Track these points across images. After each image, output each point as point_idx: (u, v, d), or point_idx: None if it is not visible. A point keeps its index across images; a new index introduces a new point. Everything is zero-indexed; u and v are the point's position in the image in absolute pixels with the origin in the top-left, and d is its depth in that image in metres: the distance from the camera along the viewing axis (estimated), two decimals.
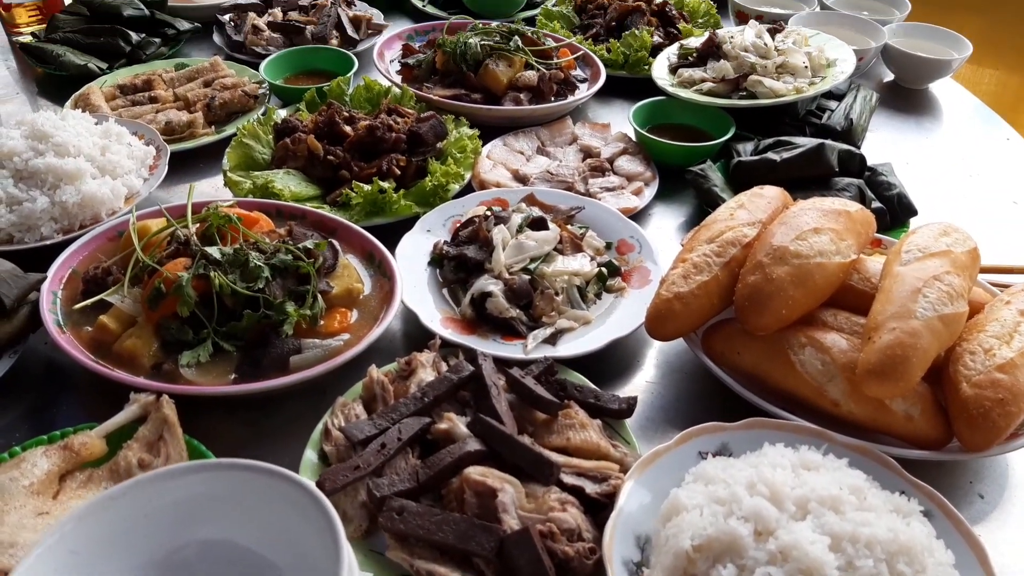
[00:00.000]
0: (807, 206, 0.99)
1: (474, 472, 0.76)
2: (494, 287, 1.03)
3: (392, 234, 1.18)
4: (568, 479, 0.79)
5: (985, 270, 1.17)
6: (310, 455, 0.85)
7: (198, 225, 1.06)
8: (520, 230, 1.12)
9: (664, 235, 1.29)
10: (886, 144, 1.53)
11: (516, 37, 1.57)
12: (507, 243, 1.09)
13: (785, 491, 0.72)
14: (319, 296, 1.00)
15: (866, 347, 0.84)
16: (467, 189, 1.32)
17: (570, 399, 0.88)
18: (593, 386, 0.92)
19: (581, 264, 1.09)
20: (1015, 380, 0.83)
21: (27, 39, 1.70)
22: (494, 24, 1.64)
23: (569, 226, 1.17)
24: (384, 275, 1.08)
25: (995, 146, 1.56)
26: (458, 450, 0.79)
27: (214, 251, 0.98)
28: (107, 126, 1.29)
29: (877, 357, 0.82)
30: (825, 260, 0.92)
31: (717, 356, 0.97)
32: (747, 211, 1.03)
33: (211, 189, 1.35)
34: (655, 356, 1.06)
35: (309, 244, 1.03)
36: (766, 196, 1.06)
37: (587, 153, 1.44)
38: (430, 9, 1.92)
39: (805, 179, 1.27)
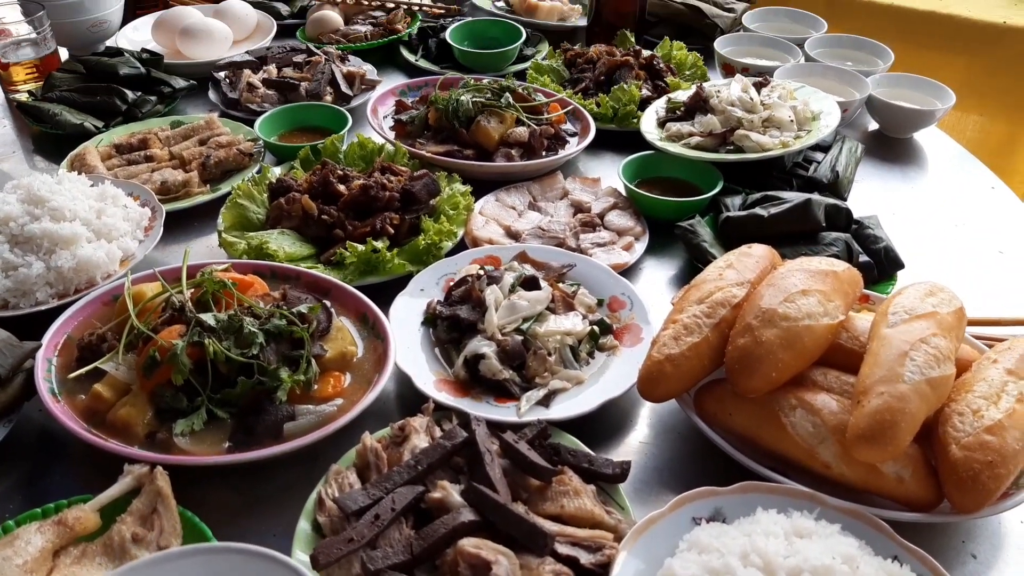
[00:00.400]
0: (794, 267, 1.01)
1: (468, 544, 0.76)
2: (487, 348, 1.04)
3: (386, 293, 1.19)
4: (562, 549, 0.79)
5: (972, 323, 1.19)
6: (304, 525, 0.85)
7: (193, 290, 1.07)
8: (512, 290, 1.13)
9: (655, 290, 1.31)
10: (873, 194, 1.56)
11: (507, 94, 1.60)
12: (500, 303, 1.10)
13: (778, 561, 0.73)
14: (313, 360, 1.01)
15: (855, 411, 0.84)
16: (460, 246, 1.34)
17: (564, 464, 0.88)
18: (587, 449, 0.93)
19: (573, 323, 1.10)
20: (1003, 442, 0.84)
21: (24, 96, 1.72)
22: (485, 80, 1.67)
23: (561, 284, 1.18)
24: (378, 336, 1.09)
25: (980, 195, 1.59)
26: (452, 520, 0.79)
27: (208, 317, 0.99)
28: (103, 188, 1.30)
29: (866, 422, 0.82)
30: (813, 322, 0.93)
31: (709, 417, 0.97)
32: (736, 271, 1.04)
33: (206, 249, 1.36)
34: (648, 415, 1.07)
35: (303, 308, 1.04)
36: (754, 255, 1.07)
37: (578, 208, 1.46)
38: (422, 63, 1.95)
39: (793, 234, 1.29)
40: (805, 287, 0.96)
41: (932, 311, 0.92)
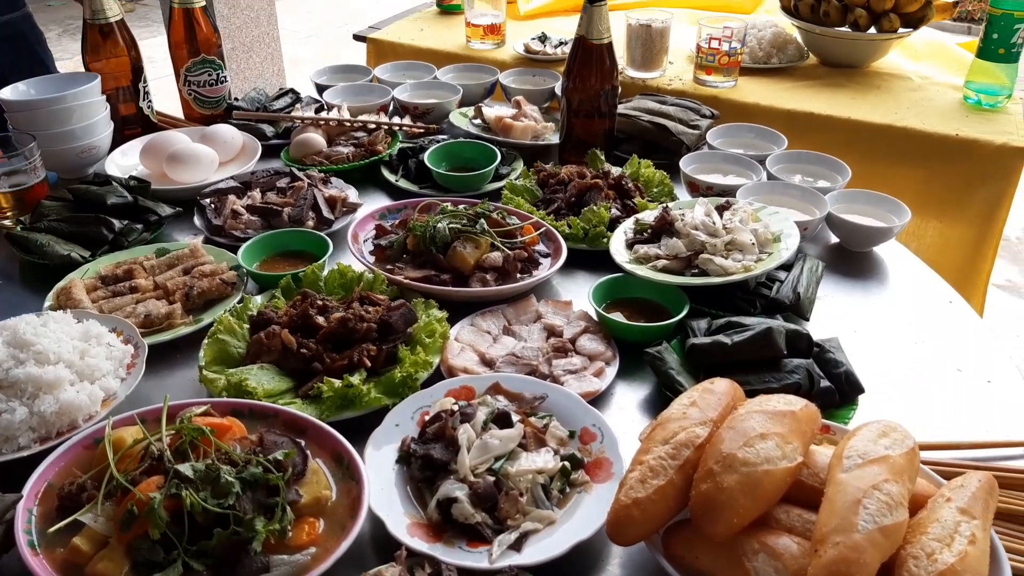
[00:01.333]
0: (754, 408, 1.05)
1: None
2: (459, 492, 1.06)
3: (363, 426, 1.22)
4: None
5: (930, 447, 1.24)
6: None
7: (172, 436, 1.09)
8: (485, 427, 1.16)
9: (626, 416, 1.34)
10: (835, 312, 1.61)
11: (482, 220, 1.67)
12: (472, 443, 1.13)
13: None
14: (288, 508, 1.03)
15: (813, 562, 0.87)
16: (436, 373, 1.38)
17: None
18: None
19: (545, 460, 1.13)
20: None
21: (10, 222, 1.77)
22: (461, 207, 1.74)
23: (532, 418, 1.22)
24: (352, 478, 1.11)
25: (939, 310, 1.65)
26: None
27: (186, 468, 1.01)
28: (87, 326, 1.34)
29: (823, 573, 0.85)
30: (772, 467, 0.96)
31: (677, 560, 1.00)
32: (699, 409, 1.08)
33: (187, 382, 1.39)
34: (619, 555, 1.09)
35: (279, 455, 1.07)
36: (716, 392, 1.12)
37: (551, 331, 1.50)
38: (403, 184, 2.03)
39: (756, 361, 1.33)
40: (763, 430, 1.00)
41: (885, 454, 0.96)
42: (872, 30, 2.61)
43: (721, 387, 1.13)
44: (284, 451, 1.08)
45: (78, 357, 1.26)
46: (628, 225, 1.75)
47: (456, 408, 1.21)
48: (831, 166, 2.01)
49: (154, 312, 1.47)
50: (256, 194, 1.87)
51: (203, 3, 2.23)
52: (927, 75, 2.67)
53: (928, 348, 1.53)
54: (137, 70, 2.17)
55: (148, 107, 2.25)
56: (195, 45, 2.24)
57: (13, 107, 1.94)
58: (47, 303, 1.52)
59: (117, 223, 1.73)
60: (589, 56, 1.97)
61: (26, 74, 2.07)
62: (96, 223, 1.72)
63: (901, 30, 2.58)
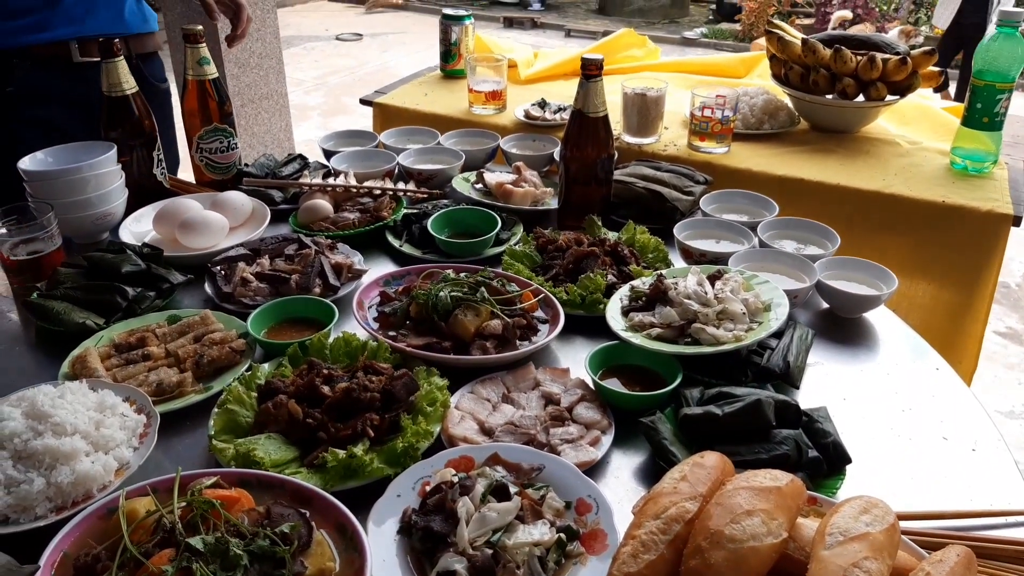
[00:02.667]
0: (741, 484, 1.09)
1: None
2: (458, 565, 1.11)
3: (366, 496, 1.27)
4: None
5: (913, 517, 1.28)
6: None
7: (183, 507, 1.14)
8: (484, 499, 1.21)
9: (621, 485, 1.39)
10: (824, 379, 1.66)
11: (482, 288, 1.73)
12: (471, 516, 1.17)
13: None
14: None
15: None
16: (437, 441, 1.43)
17: None
18: None
19: (541, 533, 1.18)
20: None
21: (28, 289, 1.84)
22: (463, 275, 1.80)
23: (529, 490, 1.26)
24: (355, 550, 1.15)
25: (926, 377, 1.70)
26: None
27: (197, 541, 1.06)
28: (102, 396, 1.39)
29: None
30: (758, 543, 1.01)
31: None
32: (689, 483, 1.13)
33: (195, 449, 1.44)
34: None
35: (286, 527, 1.11)
36: (706, 466, 1.16)
37: (548, 399, 1.55)
38: (407, 249, 2.10)
39: (747, 431, 1.38)
40: (750, 507, 1.04)
41: (865, 531, 1.01)
42: (860, 98, 2.70)
43: (711, 461, 1.18)
44: (290, 523, 1.13)
45: (93, 428, 1.31)
46: (624, 292, 1.81)
47: (456, 480, 1.25)
48: (821, 232, 2.08)
49: (166, 380, 1.52)
50: (265, 261, 1.93)
51: (216, 74, 2.33)
52: (914, 140, 2.76)
53: (915, 415, 1.57)
54: (151, 139, 2.26)
55: (161, 174, 2.33)
56: (208, 113, 2.34)
57: (32, 177, 2.02)
58: (63, 370, 1.57)
59: (131, 290, 1.79)
60: (586, 128, 2.06)
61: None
62: (111, 291, 1.78)
63: (888, 98, 2.68)
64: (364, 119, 3.35)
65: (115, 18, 2.47)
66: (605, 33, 7.18)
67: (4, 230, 1.87)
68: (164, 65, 2.77)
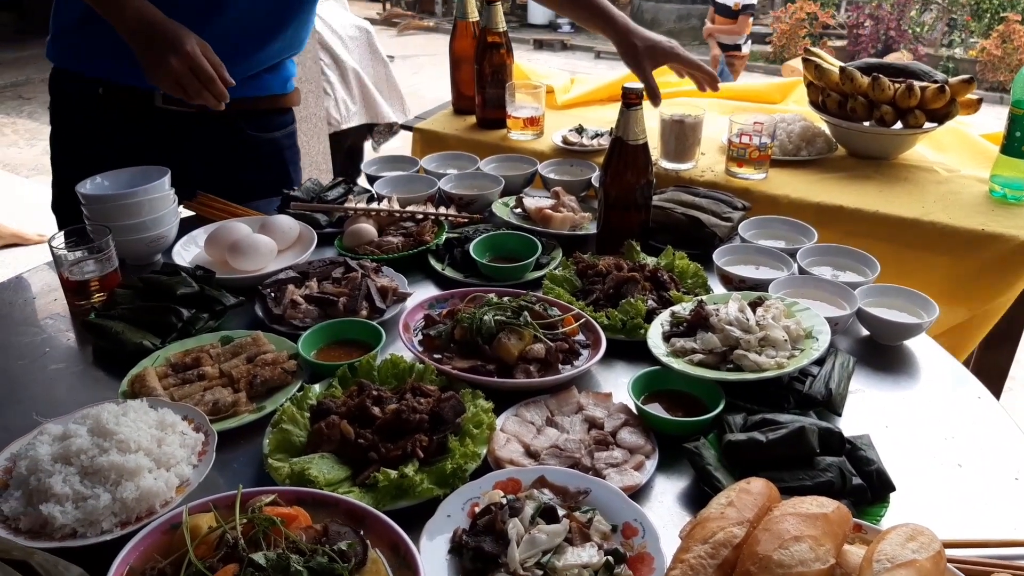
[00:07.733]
0: (788, 510, 1.11)
1: None
2: None
3: (417, 515, 1.31)
4: None
5: (959, 545, 1.28)
6: None
7: (245, 523, 1.18)
8: (533, 521, 1.24)
9: (665, 510, 1.41)
10: (866, 407, 1.67)
11: (525, 312, 1.77)
12: (521, 537, 1.20)
13: None
14: None
15: None
16: (484, 463, 1.46)
17: None
18: None
19: (590, 555, 1.20)
20: None
21: (87, 310, 1.90)
22: (505, 299, 1.84)
23: (576, 513, 1.29)
24: (408, 567, 1.19)
25: (968, 405, 1.70)
26: None
27: (260, 557, 1.10)
28: (162, 414, 1.45)
29: None
30: (806, 569, 1.03)
31: None
32: (736, 509, 1.15)
33: (250, 468, 1.48)
34: None
35: (343, 545, 1.15)
36: (753, 492, 1.18)
37: (592, 423, 1.58)
38: (449, 272, 2.14)
39: (791, 457, 1.40)
40: (797, 533, 1.06)
41: (912, 559, 1.02)
42: (898, 125, 2.71)
43: (757, 487, 1.20)
44: (348, 541, 1.16)
45: (155, 445, 1.36)
46: (664, 317, 1.84)
47: (505, 502, 1.28)
48: (860, 259, 2.09)
49: (221, 400, 1.57)
50: (313, 284, 1.99)
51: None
52: (952, 167, 2.76)
53: (958, 443, 1.58)
54: None
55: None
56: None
57: (91, 200, 2.10)
58: (122, 388, 1.63)
59: (185, 312, 1.85)
60: (625, 155, 2.10)
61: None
62: (166, 312, 1.84)
63: (927, 125, 2.69)
64: (400, 140, 3.41)
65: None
66: None
67: (65, 251, 1.95)
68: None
